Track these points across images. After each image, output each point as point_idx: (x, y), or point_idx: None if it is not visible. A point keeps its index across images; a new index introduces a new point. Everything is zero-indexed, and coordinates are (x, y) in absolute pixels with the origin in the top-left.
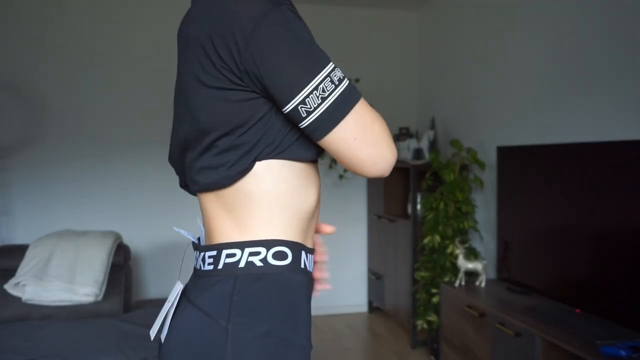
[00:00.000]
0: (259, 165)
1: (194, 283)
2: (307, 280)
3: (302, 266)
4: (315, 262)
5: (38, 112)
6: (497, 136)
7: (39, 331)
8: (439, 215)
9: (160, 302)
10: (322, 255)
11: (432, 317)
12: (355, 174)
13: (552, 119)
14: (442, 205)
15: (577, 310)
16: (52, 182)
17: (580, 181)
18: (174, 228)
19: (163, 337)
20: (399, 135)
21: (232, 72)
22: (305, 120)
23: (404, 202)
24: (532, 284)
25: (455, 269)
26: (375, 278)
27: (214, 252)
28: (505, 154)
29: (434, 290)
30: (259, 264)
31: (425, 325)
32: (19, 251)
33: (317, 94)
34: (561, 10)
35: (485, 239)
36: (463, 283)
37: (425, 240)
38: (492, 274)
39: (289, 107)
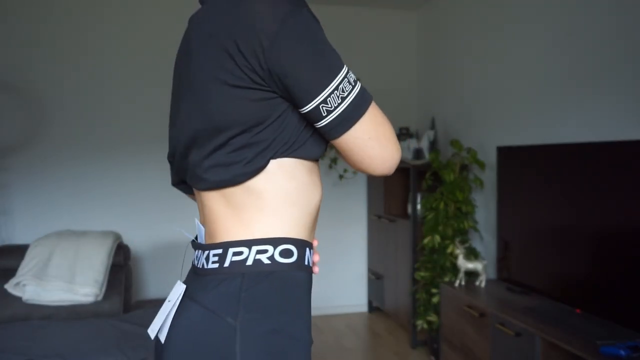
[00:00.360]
0: (272, 164)
1: (195, 281)
2: (309, 276)
3: (306, 263)
4: None
5: (38, 112)
6: (497, 136)
7: (39, 331)
8: (439, 215)
9: (160, 302)
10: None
11: (432, 317)
12: (362, 171)
13: (552, 119)
14: (442, 205)
15: (577, 310)
16: (52, 182)
17: (580, 181)
18: (176, 228)
19: (163, 336)
20: (399, 135)
21: (255, 71)
22: (325, 119)
23: (404, 202)
24: (532, 284)
25: (455, 269)
26: (375, 278)
27: (220, 251)
28: (505, 154)
29: (434, 290)
30: (267, 261)
31: (425, 325)
32: (19, 251)
33: (338, 94)
34: (561, 10)
35: (485, 239)
36: (463, 283)
37: (425, 240)
38: (492, 274)
39: (309, 107)
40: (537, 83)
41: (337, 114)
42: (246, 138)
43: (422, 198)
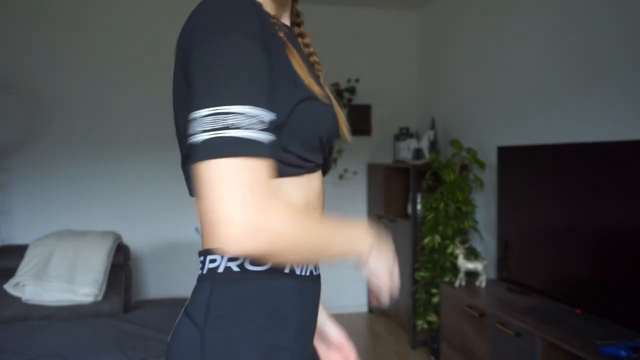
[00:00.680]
0: None
1: None
2: (298, 284)
3: (287, 271)
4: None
5: (38, 112)
6: (497, 136)
7: (39, 331)
8: (439, 215)
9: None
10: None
11: (432, 317)
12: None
13: (552, 119)
14: (442, 205)
15: (577, 310)
16: (52, 182)
17: (580, 181)
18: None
19: None
20: (399, 135)
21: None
22: (188, 138)
23: (404, 202)
24: (532, 284)
25: (455, 269)
26: None
27: (202, 258)
28: (505, 154)
29: (434, 290)
30: (236, 269)
31: (425, 326)
32: (19, 251)
33: (209, 121)
34: (561, 10)
35: (485, 239)
36: (463, 283)
37: (425, 240)
38: (492, 274)
39: (189, 118)
40: (537, 83)
41: (191, 140)
42: None
43: (422, 198)
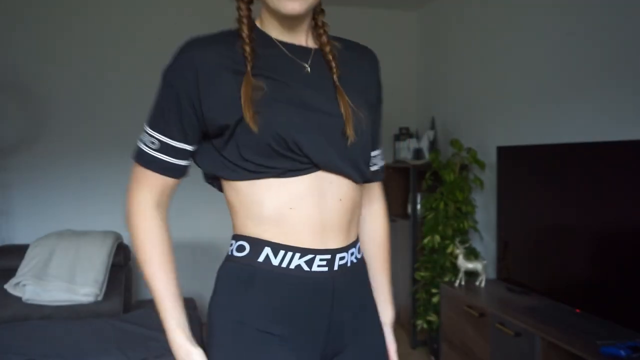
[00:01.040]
0: (225, 183)
1: None
2: (277, 273)
3: (261, 260)
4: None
5: (38, 112)
6: (497, 136)
7: (39, 331)
8: (439, 215)
9: None
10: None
11: (432, 317)
12: None
13: (552, 119)
14: (442, 205)
15: (577, 310)
16: (52, 182)
17: (580, 181)
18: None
19: None
20: (399, 135)
21: None
22: None
23: (404, 202)
24: (532, 284)
25: (455, 269)
26: None
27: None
28: (505, 154)
29: (434, 290)
30: (230, 252)
31: (425, 325)
32: (19, 251)
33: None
34: (561, 10)
35: (485, 239)
36: (463, 283)
37: (425, 240)
38: (492, 274)
39: None
40: (537, 83)
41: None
42: None
43: (422, 198)
